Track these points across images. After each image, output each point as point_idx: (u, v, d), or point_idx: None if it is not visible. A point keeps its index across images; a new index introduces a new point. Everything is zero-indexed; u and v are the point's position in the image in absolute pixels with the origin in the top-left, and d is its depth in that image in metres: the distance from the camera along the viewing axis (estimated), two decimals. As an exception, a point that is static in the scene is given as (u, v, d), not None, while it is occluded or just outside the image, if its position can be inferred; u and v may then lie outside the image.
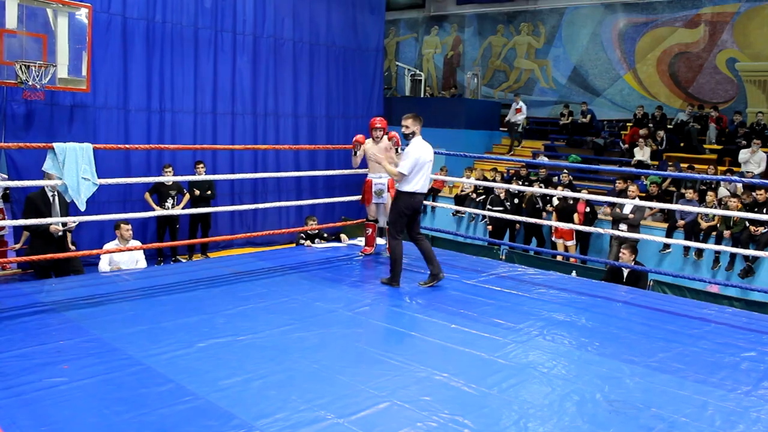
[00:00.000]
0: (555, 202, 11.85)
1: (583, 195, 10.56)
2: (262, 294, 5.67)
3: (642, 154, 14.02)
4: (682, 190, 11.65)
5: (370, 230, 7.47)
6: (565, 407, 3.65)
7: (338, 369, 4.06)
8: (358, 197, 7.57)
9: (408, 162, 5.92)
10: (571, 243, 11.53)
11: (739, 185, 11.35)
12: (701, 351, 4.69)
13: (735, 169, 12.92)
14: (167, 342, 4.34)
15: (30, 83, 8.29)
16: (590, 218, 11.40)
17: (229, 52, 11.60)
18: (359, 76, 13.97)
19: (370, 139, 7.05)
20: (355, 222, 8.40)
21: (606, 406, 3.68)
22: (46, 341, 4.29)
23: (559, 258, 10.44)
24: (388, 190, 7.14)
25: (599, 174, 14.70)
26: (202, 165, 10.40)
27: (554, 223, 9.86)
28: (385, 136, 7.00)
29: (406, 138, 6.16)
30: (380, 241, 7.75)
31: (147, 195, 10.02)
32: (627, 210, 10.01)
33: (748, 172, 12.33)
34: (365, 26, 14.01)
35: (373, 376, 3.97)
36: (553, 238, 11.75)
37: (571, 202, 11.30)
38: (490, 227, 12.30)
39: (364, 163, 7.29)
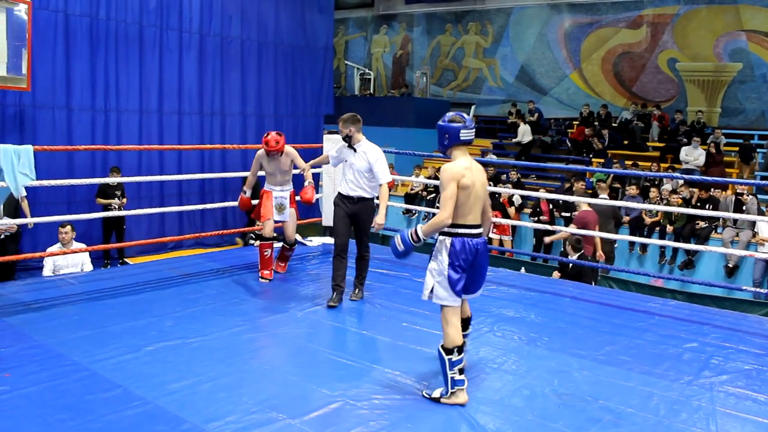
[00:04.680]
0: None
1: (526, 192, 10.80)
2: (212, 296, 5.59)
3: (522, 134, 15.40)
4: (627, 187, 11.97)
5: (268, 251, 6.15)
6: (516, 402, 3.70)
7: (289, 369, 4.04)
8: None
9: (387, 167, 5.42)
10: (507, 238, 11.78)
11: (680, 181, 11.71)
12: (646, 343, 4.82)
13: (676, 165, 13.35)
14: (114, 346, 4.24)
15: (-34, 82, 8.03)
16: (552, 216, 11.75)
17: (175, 51, 11.40)
18: (308, 74, 13.90)
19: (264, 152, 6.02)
20: (304, 221, 8.31)
21: (555, 400, 3.74)
22: (-15, 348, 4.15)
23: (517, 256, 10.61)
24: (290, 205, 6.23)
25: (546, 171, 14.95)
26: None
27: (499, 221, 10.03)
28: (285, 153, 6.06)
29: (349, 141, 5.31)
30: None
31: (99, 200, 9.79)
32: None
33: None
34: (314, 25, 13.95)
35: (325, 375, 3.96)
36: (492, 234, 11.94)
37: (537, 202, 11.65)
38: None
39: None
